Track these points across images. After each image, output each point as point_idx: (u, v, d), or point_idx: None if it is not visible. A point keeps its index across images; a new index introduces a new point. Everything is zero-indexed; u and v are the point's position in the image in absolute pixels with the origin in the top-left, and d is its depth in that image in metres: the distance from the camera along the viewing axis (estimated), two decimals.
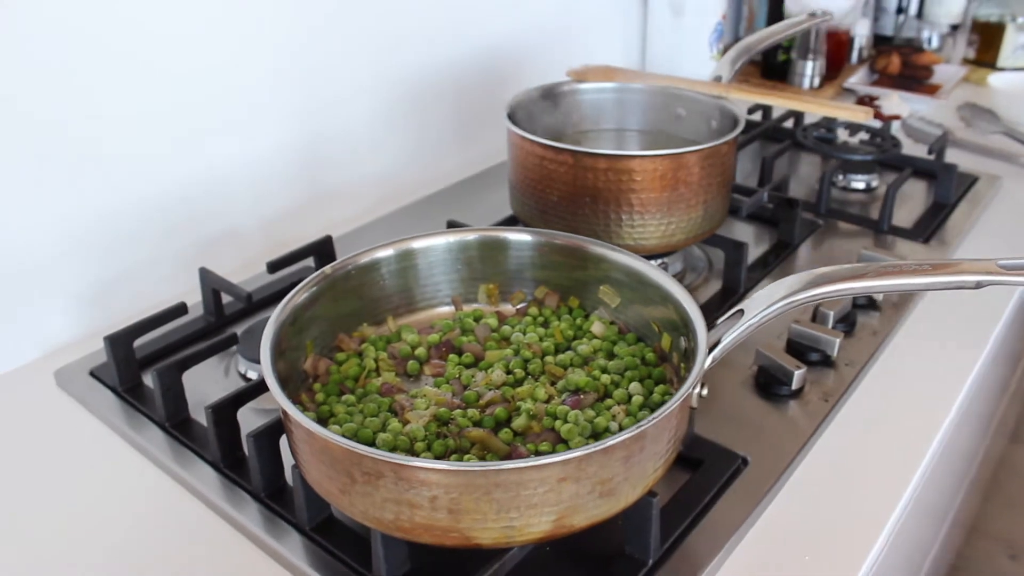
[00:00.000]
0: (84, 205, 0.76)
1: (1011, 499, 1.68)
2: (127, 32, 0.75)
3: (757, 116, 1.23)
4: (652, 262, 0.63)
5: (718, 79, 0.90)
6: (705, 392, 0.54)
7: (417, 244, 0.65)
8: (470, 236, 0.66)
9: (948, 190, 1.01)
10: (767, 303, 0.54)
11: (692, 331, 0.54)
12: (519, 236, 0.66)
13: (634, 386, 0.58)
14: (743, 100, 0.89)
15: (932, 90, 1.37)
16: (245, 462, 0.62)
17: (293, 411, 0.48)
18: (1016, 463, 1.73)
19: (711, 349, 0.53)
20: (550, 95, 0.91)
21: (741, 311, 0.55)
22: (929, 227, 0.96)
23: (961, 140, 1.20)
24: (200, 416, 0.66)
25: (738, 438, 0.64)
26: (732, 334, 0.54)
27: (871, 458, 0.64)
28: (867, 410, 0.69)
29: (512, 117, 0.83)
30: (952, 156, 1.12)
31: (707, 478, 0.60)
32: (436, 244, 0.66)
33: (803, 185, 1.08)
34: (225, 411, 0.61)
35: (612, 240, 0.76)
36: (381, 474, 0.45)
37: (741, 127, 0.80)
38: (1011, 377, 1.30)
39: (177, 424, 0.66)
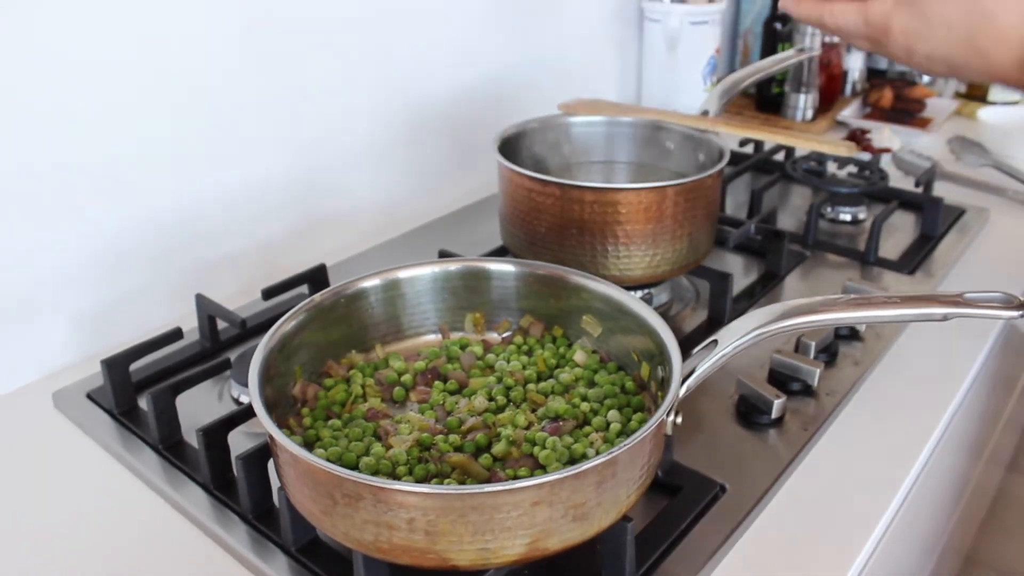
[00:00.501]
0: (85, 229, 0.79)
1: (1008, 528, 1.67)
2: (127, 56, 0.78)
3: (749, 149, 1.24)
4: (634, 292, 0.65)
5: (706, 113, 0.92)
6: (680, 420, 0.55)
7: (403, 274, 0.67)
8: (453, 266, 0.68)
9: (935, 222, 1.03)
10: (740, 333, 0.56)
11: (668, 360, 0.56)
12: (501, 266, 0.68)
13: (612, 414, 0.59)
14: (731, 134, 0.91)
15: (924, 123, 1.39)
16: (235, 484, 0.63)
17: (278, 435, 0.49)
18: (1013, 492, 1.72)
19: (685, 378, 0.55)
20: (541, 128, 0.93)
21: (715, 341, 0.56)
22: (915, 259, 0.97)
23: (950, 173, 1.21)
24: (193, 439, 0.67)
25: (717, 466, 0.65)
26: (706, 364, 0.56)
27: (849, 487, 0.65)
28: (846, 439, 0.70)
29: (503, 149, 0.85)
30: (941, 189, 1.13)
31: (685, 505, 0.61)
32: (421, 274, 0.67)
33: (792, 217, 1.10)
34: (216, 434, 0.63)
35: (598, 271, 0.78)
36: (361, 496, 0.47)
37: (726, 161, 0.82)
38: (1004, 406, 1.30)
39: (170, 447, 0.68)
